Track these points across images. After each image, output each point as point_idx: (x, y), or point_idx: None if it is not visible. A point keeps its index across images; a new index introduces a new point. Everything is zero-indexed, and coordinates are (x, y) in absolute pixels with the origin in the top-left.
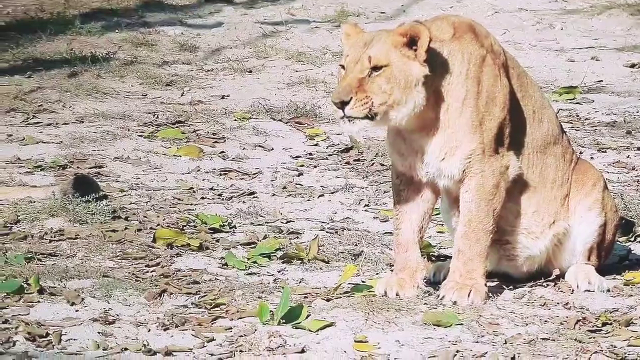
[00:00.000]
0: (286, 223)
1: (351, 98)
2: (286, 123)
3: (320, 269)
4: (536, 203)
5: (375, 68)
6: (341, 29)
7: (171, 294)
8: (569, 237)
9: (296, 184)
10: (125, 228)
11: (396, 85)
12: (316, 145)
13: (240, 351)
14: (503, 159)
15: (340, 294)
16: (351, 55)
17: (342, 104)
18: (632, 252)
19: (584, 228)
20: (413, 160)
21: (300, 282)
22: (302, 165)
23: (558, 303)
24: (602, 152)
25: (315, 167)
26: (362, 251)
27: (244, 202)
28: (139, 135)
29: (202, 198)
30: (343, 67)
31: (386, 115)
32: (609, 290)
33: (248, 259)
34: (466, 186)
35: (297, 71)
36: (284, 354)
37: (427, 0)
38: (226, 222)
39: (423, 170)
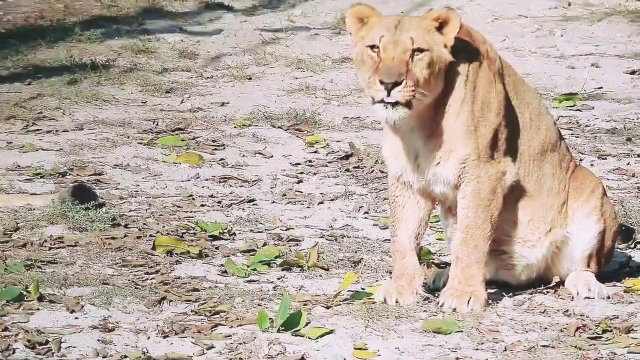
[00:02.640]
0: (286, 230)
1: (403, 80)
2: (286, 130)
3: (320, 276)
4: (532, 211)
5: (418, 51)
6: (351, 10)
7: (171, 301)
8: (567, 244)
9: (296, 191)
10: (125, 235)
11: (432, 71)
12: (316, 152)
13: (240, 359)
14: (499, 165)
15: (340, 301)
16: (387, 36)
17: (394, 85)
18: (632, 259)
19: (583, 235)
20: (408, 163)
21: (299, 289)
22: (302, 173)
23: (558, 310)
24: (602, 159)
25: (314, 174)
26: (362, 258)
27: (243, 209)
28: (139, 143)
29: (202, 205)
30: (372, 47)
31: (419, 102)
32: (609, 297)
33: (248, 266)
34: (462, 192)
35: (296, 78)
36: None
37: (427, 6)
38: (226, 229)
39: (418, 174)
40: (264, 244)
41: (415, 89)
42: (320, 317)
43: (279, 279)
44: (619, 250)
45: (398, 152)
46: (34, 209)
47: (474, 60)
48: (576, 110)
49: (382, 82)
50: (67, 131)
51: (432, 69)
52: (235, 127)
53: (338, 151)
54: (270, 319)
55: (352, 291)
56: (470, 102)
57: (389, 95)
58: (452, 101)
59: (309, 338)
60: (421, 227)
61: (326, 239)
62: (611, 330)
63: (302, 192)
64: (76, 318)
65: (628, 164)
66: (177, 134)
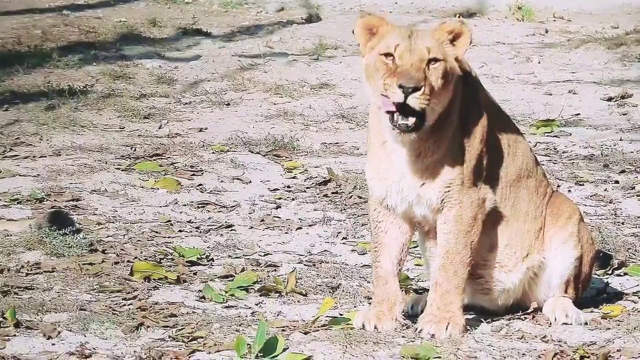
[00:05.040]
0: (264, 256)
1: (422, 86)
2: (264, 156)
3: (298, 301)
4: (508, 236)
5: (433, 60)
6: (360, 21)
7: (148, 327)
8: (544, 270)
9: (274, 216)
10: (103, 261)
11: (445, 81)
12: (294, 178)
13: None
14: (480, 192)
15: (318, 326)
16: (402, 45)
17: (414, 90)
18: (610, 285)
19: (560, 261)
20: (392, 184)
21: (277, 315)
22: (280, 198)
23: (536, 336)
24: (580, 185)
25: (293, 199)
26: (340, 284)
27: (221, 234)
28: (117, 168)
29: (180, 231)
30: (387, 55)
31: (431, 112)
32: (586, 324)
33: (226, 291)
34: (444, 217)
35: (275, 104)
36: None
37: None
38: (204, 254)
39: (401, 196)
40: (242, 270)
41: (430, 97)
42: (298, 342)
43: (257, 304)
44: (597, 276)
45: (383, 173)
46: (11, 235)
47: (463, 85)
48: (553, 136)
49: (400, 86)
50: (44, 157)
51: (445, 79)
52: (213, 152)
53: (316, 177)
54: (248, 344)
55: (330, 317)
56: (460, 128)
57: (405, 100)
58: (444, 124)
59: None
60: (403, 253)
61: (304, 265)
62: (589, 357)
63: (280, 217)
64: (53, 344)
65: (605, 190)
66: (155, 160)
